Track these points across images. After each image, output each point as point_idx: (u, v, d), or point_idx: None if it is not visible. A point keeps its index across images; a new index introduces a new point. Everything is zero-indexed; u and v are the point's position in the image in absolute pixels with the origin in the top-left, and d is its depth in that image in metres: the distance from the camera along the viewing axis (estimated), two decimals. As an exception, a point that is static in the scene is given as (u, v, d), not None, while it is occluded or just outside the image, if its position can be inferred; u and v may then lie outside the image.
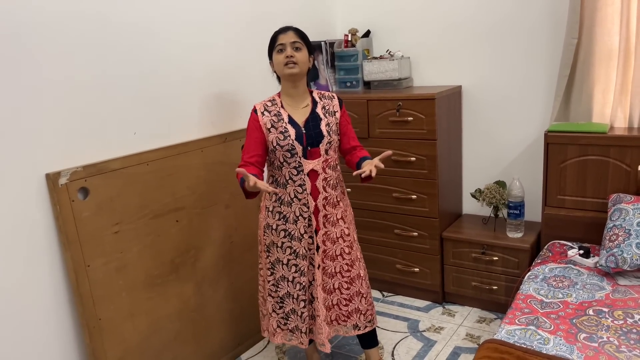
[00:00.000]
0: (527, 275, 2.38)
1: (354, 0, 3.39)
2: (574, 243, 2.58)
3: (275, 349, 2.76)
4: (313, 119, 2.17)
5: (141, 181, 2.21)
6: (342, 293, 2.25)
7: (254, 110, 2.16)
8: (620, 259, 2.21)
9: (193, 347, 2.47)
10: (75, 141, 2.00)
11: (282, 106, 2.16)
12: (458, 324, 2.85)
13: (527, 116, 2.95)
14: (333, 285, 2.24)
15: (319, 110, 2.20)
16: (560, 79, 2.71)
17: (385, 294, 3.27)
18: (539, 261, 2.51)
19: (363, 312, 2.29)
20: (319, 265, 2.20)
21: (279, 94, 2.21)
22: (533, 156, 2.96)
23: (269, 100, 2.19)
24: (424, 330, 2.82)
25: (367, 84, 3.27)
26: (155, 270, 2.28)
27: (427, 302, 3.12)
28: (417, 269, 3.08)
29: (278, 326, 2.28)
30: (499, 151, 3.08)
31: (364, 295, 2.29)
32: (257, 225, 2.34)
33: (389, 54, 3.19)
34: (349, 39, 3.29)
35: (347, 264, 2.25)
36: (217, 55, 2.58)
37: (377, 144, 3.00)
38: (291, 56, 2.07)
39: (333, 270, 2.24)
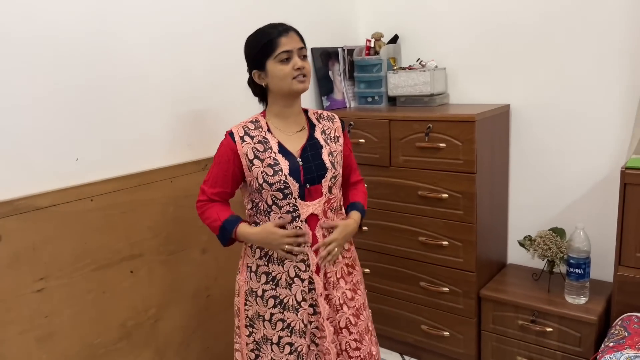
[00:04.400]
0: (596, 367, 1.74)
1: (379, -2, 2.84)
2: (662, 321, 1.92)
3: None
4: (312, 147, 1.63)
5: (81, 222, 1.71)
6: None
7: (230, 134, 1.62)
8: None
9: None
10: (-17, 171, 1.51)
11: (269, 130, 1.62)
12: (498, 412, 2.22)
13: (596, 146, 2.32)
14: None
15: (318, 135, 1.66)
16: (645, 100, 2.08)
17: (406, 358, 2.67)
18: (611, 345, 1.86)
19: None
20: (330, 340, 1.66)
21: (263, 114, 1.67)
22: (604, 198, 2.32)
23: (251, 122, 1.65)
24: (453, 418, 2.20)
25: (393, 100, 2.72)
26: (96, 338, 1.77)
27: (458, 375, 2.50)
28: (447, 333, 2.47)
29: None
30: (558, 190, 2.46)
31: None
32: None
33: (419, 63, 2.63)
34: (372, 45, 2.75)
35: (355, 340, 1.70)
36: (198, 60, 2.07)
37: (399, 174, 2.43)
38: (302, 67, 1.56)
39: (338, 349, 1.69)
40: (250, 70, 1.63)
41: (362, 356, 1.71)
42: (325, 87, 2.70)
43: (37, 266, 1.60)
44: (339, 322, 1.68)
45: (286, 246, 1.58)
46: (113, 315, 1.81)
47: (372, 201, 2.54)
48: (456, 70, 2.66)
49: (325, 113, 1.73)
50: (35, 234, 1.59)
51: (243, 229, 1.62)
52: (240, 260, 1.72)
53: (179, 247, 2.00)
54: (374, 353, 1.75)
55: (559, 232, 2.30)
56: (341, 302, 1.68)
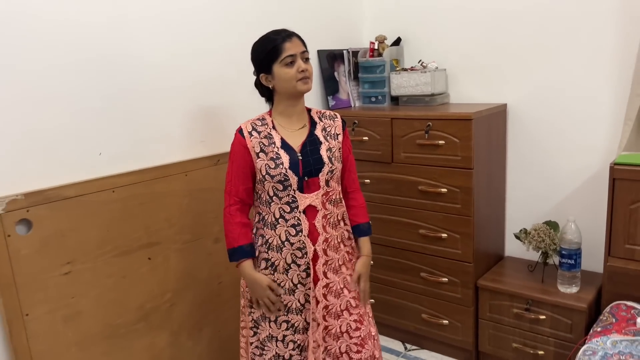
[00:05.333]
0: (583, 349, 1.85)
1: (383, 3, 2.95)
2: (647, 307, 2.03)
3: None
4: (311, 143, 1.76)
5: (104, 211, 1.85)
6: (350, 358, 1.81)
7: (239, 131, 1.76)
8: None
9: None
10: (17, 162, 1.66)
11: (273, 127, 1.76)
12: (493, 395, 2.33)
13: (588, 143, 2.42)
14: (339, 349, 1.81)
15: (318, 132, 1.78)
16: (633, 99, 2.19)
17: (408, 346, 2.78)
18: (599, 329, 1.97)
19: None
20: (319, 324, 1.77)
21: (269, 112, 1.81)
22: (595, 193, 2.42)
23: (258, 119, 1.78)
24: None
25: (395, 100, 2.83)
26: (117, 319, 1.91)
27: (456, 361, 2.61)
28: (446, 322, 2.58)
29: None
30: (552, 185, 2.56)
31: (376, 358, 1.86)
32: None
33: (420, 65, 2.74)
34: (376, 47, 2.86)
35: (355, 321, 1.82)
36: (211, 63, 2.20)
37: (401, 170, 2.55)
38: (305, 69, 1.69)
39: (338, 331, 1.80)
40: (257, 74, 1.76)
41: (362, 336, 1.83)
42: (331, 87, 2.82)
43: (64, 251, 1.74)
44: (339, 305, 1.80)
45: (264, 300, 1.75)
46: (132, 298, 1.95)
47: (375, 196, 2.66)
48: (456, 71, 2.77)
49: (328, 112, 1.86)
50: (63, 222, 1.73)
51: (247, 267, 1.75)
52: None
53: (193, 236, 2.13)
54: (372, 333, 1.87)
55: (552, 225, 2.40)
56: (341, 286, 1.80)
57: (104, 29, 1.83)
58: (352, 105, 2.93)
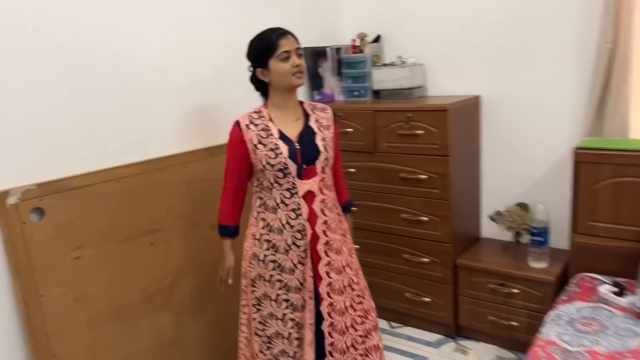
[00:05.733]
0: (550, 315, 2.05)
1: (363, 2, 3.12)
2: (607, 277, 2.23)
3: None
4: (307, 134, 1.91)
5: (110, 200, 1.98)
6: (356, 330, 1.97)
7: (237, 124, 1.90)
8: (662, 302, 1.86)
9: (169, 385, 2.23)
10: (30, 155, 1.78)
11: (270, 119, 1.90)
12: (472, 364, 2.53)
13: (555, 130, 2.62)
14: (345, 323, 1.95)
15: (312, 123, 1.94)
16: (593, 89, 2.39)
17: (393, 324, 2.97)
18: (565, 298, 2.17)
19: (381, 348, 2.03)
20: (323, 299, 1.92)
21: (265, 106, 1.95)
22: (561, 176, 2.62)
23: (255, 112, 1.93)
24: (433, 371, 2.50)
25: (377, 94, 3.00)
26: (124, 300, 2.04)
27: (438, 336, 2.80)
28: (428, 299, 2.77)
29: None
30: (523, 170, 2.76)
31: (378, 328, 2.04)
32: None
33: (400, 60, 2.91)
34: (358, 44, 3.02)
35: (358, 295, 1.98)
36: (204, 60, 2.35)
37: (384, 159, 2.72)
38: (299, 65, 1.84)
39: (343, 306, 1.95)
40: (254, 69, 1.90)
41: (365, 308, 1.99)
42: (316, 82, 2.98)
43: (74, 237, 1.87)
44: (342, 281, 1.94)
45: (221, 274, 2.06)
46: (137, 281, 2.08)
47: (359, 184, 2.83)
48: (434, 65, 2.94)
49: (319, 105, 2.01)
50: (73, 210, 1.87)
51: (227, 244, 2.04)
52: (247, 230, 2.00)
53: (191, 223, 2.27)
54: (373, 306, 2.04)
55: (523, 206, 2.60)
56: (344, 264, 1.95)
57: (106, 30, 1.96)
58: (337, 100, 3.09)
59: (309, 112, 1.97)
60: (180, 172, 2.23)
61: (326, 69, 3.03)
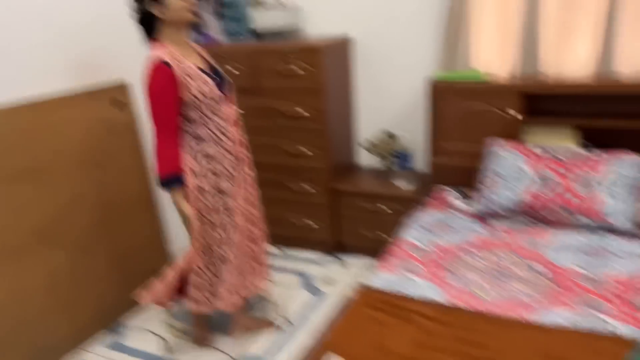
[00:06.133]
0: (408, 222, 2.42)
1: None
2: (455, 188, 2.65)
3: (166, 313, 2.67)
4: (212, 67, 2.07)
5: (-4, 141, 2.00)
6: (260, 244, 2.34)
7: (165, 64, 1.85)
8: (494, 202, 2.30)
9: (66, 318, 2.34)
10: None
11: (180, 56, 1.93)
12: (351, 275, 2.89)
13: (415, 65, 2.94)
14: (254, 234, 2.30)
15: (208, 57, 2.09)
16: (446, 26, 2.70)
17: (283, 248, 3.26)
18: (422, 208, 2.56)
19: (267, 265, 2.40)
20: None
21: (162, 45, 1.93)
22: (421, 106, 2.98)
23: (162, 51, 1.89)
24: (318, 283, 2.84)
25: (258, 35, 3.13)
26: (13, 241, 2.10)
27: (322, 255, 3.14)
28: (311, 222, 3.08)
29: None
30: (390, 102, 3.08)
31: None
32: (138, 184, 2.20)
33: (278, 2, 3.06)
34: (237, -14, 3.11)
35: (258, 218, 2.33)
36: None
37: (266, 97, 2.91)
38: (195, 2, 1.92)
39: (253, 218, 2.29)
40: (145, 6, 1.88)
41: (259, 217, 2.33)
42: (197, 24, 3.05)
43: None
44: (252, 195, 2.25)
45: (192, 230, 2.05)
46: (26, 221, 2.14)
47: (246, 123, 3.00)
48: (311, 8, 3.10)
49: (196, 45, 2.11)
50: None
51: (182, 196, 2.00)
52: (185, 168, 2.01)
53: (79, 163, 2.33)
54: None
55: (390, 135, 2.95)
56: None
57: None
58: (219, 42, 3.16)
59: (199, 49, 2.08)
60: (66, 112, 2.26)
61: (207, 11, 3.09)
